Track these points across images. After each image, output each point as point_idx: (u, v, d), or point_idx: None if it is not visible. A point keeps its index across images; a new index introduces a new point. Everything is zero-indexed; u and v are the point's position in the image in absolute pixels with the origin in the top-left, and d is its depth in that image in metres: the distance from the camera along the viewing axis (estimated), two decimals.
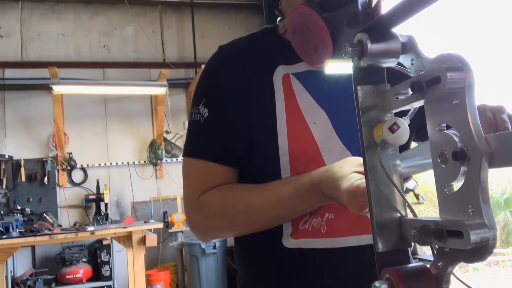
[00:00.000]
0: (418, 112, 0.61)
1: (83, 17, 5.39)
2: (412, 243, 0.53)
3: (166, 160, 5.37)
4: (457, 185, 0.47)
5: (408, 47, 0.55)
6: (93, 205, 4.93)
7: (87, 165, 5.16)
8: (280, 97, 0.94)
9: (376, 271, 0.53)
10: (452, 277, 0.49)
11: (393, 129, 0.53)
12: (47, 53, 5.19)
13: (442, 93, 0.46)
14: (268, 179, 0.92)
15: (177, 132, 5.36)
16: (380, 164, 0.54)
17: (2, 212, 4.43)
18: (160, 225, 4.34)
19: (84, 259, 4.64)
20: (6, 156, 4.82)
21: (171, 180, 5.25)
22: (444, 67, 0.45)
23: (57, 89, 4.37)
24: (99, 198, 4.85)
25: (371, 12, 0.88)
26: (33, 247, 4.81)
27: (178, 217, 4.85)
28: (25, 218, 4.47)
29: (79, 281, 4.50)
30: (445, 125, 0.48)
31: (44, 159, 5.00)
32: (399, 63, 0.57)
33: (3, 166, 4.82)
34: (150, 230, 4.15)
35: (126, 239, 3.93)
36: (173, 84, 5.13)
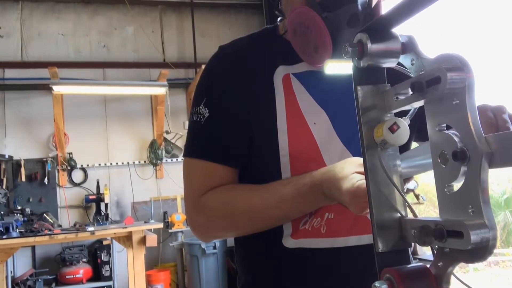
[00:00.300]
0: (418, 112, 0.61)
1: (83, 17, 5.39)
2: (412, 243, 0.53)
3: (166, 160, 5.37)
4: (457, 185, 0.47)
5: (408, 47, 0.55)
6: (93, 205, 4.93)
7: (87, 165, 5.16)
8: (281, 97, 0.94)
9: (376, 271, 0.53)
10: (452, 277, 0.49)
11: (393, 129, 0.53)
12: (47, 53, 5.19)
13: (442, 93, 0.46)
14: (268, 179, 0.92)
15: (177, 132, 5.36)
16: (380, 164, 0.54)
17: (2, 212, 4.44)
18: (160, 225, 4.34)
19: (84, 259, 4.64)
20: (6, 156, 4.82)
21: (171, 180, 5.25)
22: (444, 67, 0.45)
23: (57, 89, 4.37)
24: (99, 198, 4.85)
25: (371, 12, 0.88)
26: (33, 247, 4.81)
27: (178, 217, 4.85)
28: (25, 218, 4.47)
29: (79, 281, 4.50)
30: (445, 125, 0.48)
31: (44, 159, 5.00)
32: (399, 63, 0.57)
33: (3, 166, 4.82)
34: (150, 230, 4.15)
35: (126, 239, 3.93)
36: (173, 84, 5.13)
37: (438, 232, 0.46)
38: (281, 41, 1.00)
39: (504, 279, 5.58)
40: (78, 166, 5.12)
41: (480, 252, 0.43)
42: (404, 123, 0.54)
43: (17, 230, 3.94)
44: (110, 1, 5.43)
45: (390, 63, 0.56)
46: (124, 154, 5.30)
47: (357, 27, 0.86)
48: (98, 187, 4.96)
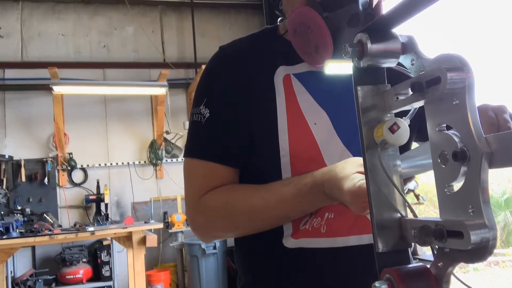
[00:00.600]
0: (419, 112, 0.61)
1: (83, 17, 5.39)
2: (412, 243, 0.53)
3: (166, 161, 5.37)
4: (457, 185, 0.47)
5: (408, 47, 0.55)
6: (93, 205, 4.94)
7: (87, 165, 5.16)
8: (281, 98, 0.94)
9: (376, 271, 0.53)
10: (452, 277, 0.49)
11: (393, 129, 0.53)
12: (47, 53, 5.19)
13: (442, 93, 0.46)
14: (268, 179, 0.92)
15: (177, 132, 5.36)
16: (380, 164, 0.54)
17: (2, 212, 4.44)
18: (160, 226, 4.34)
19: (84, 260, 4.64)
20: (6, 156, 4.82)
21: (171, 180, 5.25)
22: (444, 68, 0.45)
23: (57, 89, 4.37)
24: (99, 199, 4.85)
25: (372, 12, 0.88)
26: (33, 248, 4.81)
27: (178, 218, 4.85)
28: (25, 219, 4.48)
29: (79, 282, 4.50)
30: (445, 125, 0.48)
31: (44, 159, 5.00)
32: (399, 63, 0.57)
33: (3, 166, 4.82)
34: (150, 230, 4.15)
35: (126, 240, 3.93)
36: (173, 84, 5.13)
37: (438, 232, 0.46)
38: (282, 41, 1.00)
39: (504, 279, 5.58)
40: (78, 166, 5.12)
41: (480, 252, 0.43)
42: (404, 123, 0.54)
43: (17, 230, 3.94)
44: (110, 1, 5.43)
45: (390, 63, 0.56)
46: (124, 154, 5.30)
47: (357, 27, 0.86)
48: (98, 187, 4.96)
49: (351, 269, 0.93)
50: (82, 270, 4.54)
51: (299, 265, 0.94)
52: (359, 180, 0.74)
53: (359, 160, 0.80)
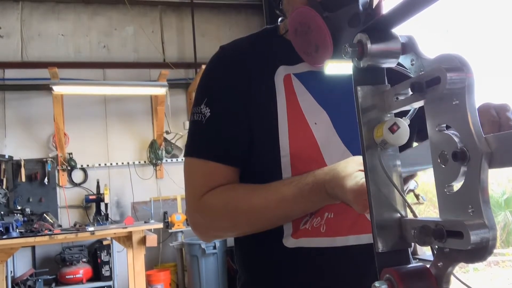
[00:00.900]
0: (418, 113, 0.61)
1: (83, 17, 5.39)
2: (412, 243, 0.53)
3: (166, 161, 5.37)
4: (457, 185, 0.47)
5: (408, 47, 0.55)
6: (93, 205, 4.94)
7: (87, 165, 5.16)
8: (281, 98, 0.94)
9: (376, 271, 0.53)
10: (452, 277, 0.49)
11: (393, 129, 0.53)
12: (47, 53, 5.19)
13: (442, 94, 0.46)
14: (269, 179, 0.92)
15: (177, 132, 5.36)
16: (380, 164, 0.54)
17: (2, 212, 4.44)
18: (160, 225, 4.34)
19: (84, 259, 4.64)
20: (6, 156, 4.82)
21: (171, 180, 5.25)
22: (444, 68, 0.45)
23: (57, 89, 4.37)
24: (99, 198, 4.85)
25: (372, 12, 0.88)
26: (33, 247, 4.81)
27: (178, 217, 4.85)
28: (25, 218, 4.48)
29: (79, 281, 4.50)
30: (445, 125, 0.48)
31: (44, 159, 5.00)
32: (399, 64, 0.57)
33: (3, 166, 4.82)
34: (150, 230, 4.15)
35: (126, 239, 3.93)
36: (173, 84, 5.13)
37: (438, 232, 0.46)
38: (282, 41, 1.00)
39: (504, 279, 5.58)
40: (78, 166, 5.12)
41: (480, 252, 0.43)
42: (404, 123, 0.54)
43: (17, 230, 3.94)
44: (110, 1, 5.43)
45: (390, 64, 0.56)
46: (124, 154, 5.30)
47: (358, 27, 0.86)
48: (98, 187, 4.96)
49: (350, 269, 0.93)
50: (82, 270, 4.54)
51: (299, 265, 0.94)
52: (361, 178, 0.74)
53: (360, 158, 0.80)
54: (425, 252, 3.55)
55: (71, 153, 5.09)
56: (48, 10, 5.28)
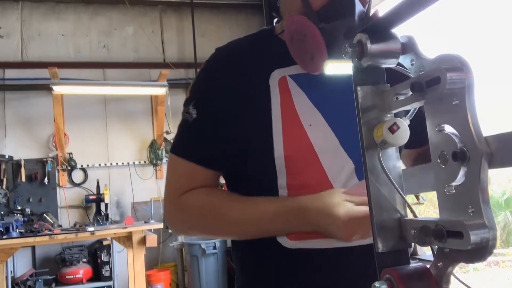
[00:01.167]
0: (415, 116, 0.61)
1: (83, 17, 5.39)
2: (412, 243, 0.53)
3: (166, 161, 5.36)
4: (457, 185, 0.47)
5: (408, 47, 0.55)
6: (93, 205, 4.93)
7: (87, 165, 5.16)
8: (276, 99, 0.94)
9: (376, 271, 0.53)
10: (452, 278, 0.49)
11: (393, 129, 0.53)
12: (47, 53, 5.19)
13: (442, 94, 0.46)
14: (264, 181, 0.93)
15: None
16: (380, 164, 0.54)
17: (2, 212, 4.44)
18: (160, 226, 4.34)
19: (84, 260, 4.64)
20: (6, 156, 4.82)
21: None
22: (444, 68, 0.45)
23: (57, 89, 4.37)
24: (99, 198, 4.85)
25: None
26: (33, 248, 4.81)
27: None
28: (25, 219, 4.47)
29: (79, 282, 4.50)
30: (444, 125, 0.48)
31: (44, 159, 5.00)
32: (399, 64, 0.57)
33: (3, 166, 4.82)
34: (150, 230, 4.15)
35: (126, 240, 3.93)
36: (173, 84, 5.13)
37: (438, 232, 0.46)
38: (278, 41, 1.00)
39: (504, 279, 5.58)
40: (78, 166, 5.12)
41: (480, 252, 0.43)
42: (404, 124, 0.54)
43: (17, 230, 3.94)
44: (110, 1, 5.43)
45: (390, 64, 0.56)
46: (124, 154, 5.30)
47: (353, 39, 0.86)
48: (98, 187, 4.96)
49: (350, 269, 0.93)
50: (82, 270, 4.54)
51: (298, 265, 0.93)
52: (351, 206, 0.79)
53: (341, 190, 0.85)
54: (425, 252, 3.55)
55: (71, 153, 5.09)
56: (48, 10, 5.28)
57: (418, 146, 1.04)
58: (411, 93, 0.50)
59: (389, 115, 0.56)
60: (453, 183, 0.47)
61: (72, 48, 5.32)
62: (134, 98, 5.29)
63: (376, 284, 0.49)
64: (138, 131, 5.38)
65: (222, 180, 1.07)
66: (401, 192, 0.55)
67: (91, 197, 4.90)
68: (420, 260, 3.37)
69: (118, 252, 4.83)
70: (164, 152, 5.31)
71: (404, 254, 0.54)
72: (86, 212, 5.08)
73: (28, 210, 4.63)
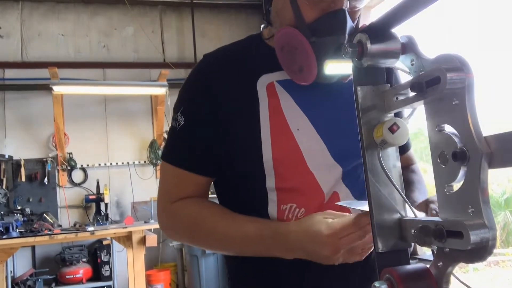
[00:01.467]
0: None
1: (83, 17, 5.39)
2: (412, 243, 0.53)
3: None
4: (457, 185, 0.47)
5: (408, 47, 0.55)
6: (93, 205, 4.93)
7: (87, 165, 5.16)
8: (264, 104, 0.94)
9: (376, 271, 0.53)
10: (452, 277, 0.49)
11: (393, 129, 0.53)
12: (47, 53, 5.19)
13: (442, 94, 0.46)
14: (253, 184, 0.94)
15: None
16: (380, 164, 0.54)
17: (2, 212, 4.43)
18: None
19: (84, 259, 4.64)
20: (6, 156, 4.82)
21: None
22: (444, 68, 0.45)
23: (57, 89, 4.37)
24: (99, 198, 4.85)
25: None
26: (33, 247, 4.81)
27: None
28: (25, 218, 4.47)
29: (79, 281, 4.50)
30: (444, 125, 0.48)
31: (44, 159, 5.00)
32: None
33: (3, 166, 4.82)
34: (150, 230, 4.15)
35: (126, 239, 3.93)
36: (173, 84, 5.12)
37: (438, 232, 0.46)
38: (266, 48, 1.01)
39: (504, 279, 5.58)
40: (78, 166, 5.11)
41: (479, 252, 0.43)
42: (404, 123, 0.54)
43: (17, 230, 3.94)
44: (110, 1, 5.43)
45: (390, 64, 0.56)
46: (124, 154, 5.30)
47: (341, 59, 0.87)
48: (98, 187, 4.96)
49: (349, 269, 0.92)
50: (82, 270, 4.54)
51: (295, 265, 0.93)
52: (331, 221, 0.79)
53: (321, 212, 0.85)
54: (425, 252, 3.55)
55: (71, 153, 5.09)
56: (48, 10, 5.28)
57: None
58: (411, 93, 0.50)
59: (389, 115, 0.56)
60: (453, 183, 0.47)
61: (72, 48, 5.31)
62: (134, 98, 5.29)
63: (376, 284, 0.49)
64: (138, 131, 5.38)
65: None
66: (401, 192, 0.55)
67: (91, 197, 4.89)
68: (420, 260, 3.37)
69: (118, 252, 4.83)
70: None
71: (404, 254, 0.54)
72: (86, 212, 5.08)
73: (28, 210, 4.62)
